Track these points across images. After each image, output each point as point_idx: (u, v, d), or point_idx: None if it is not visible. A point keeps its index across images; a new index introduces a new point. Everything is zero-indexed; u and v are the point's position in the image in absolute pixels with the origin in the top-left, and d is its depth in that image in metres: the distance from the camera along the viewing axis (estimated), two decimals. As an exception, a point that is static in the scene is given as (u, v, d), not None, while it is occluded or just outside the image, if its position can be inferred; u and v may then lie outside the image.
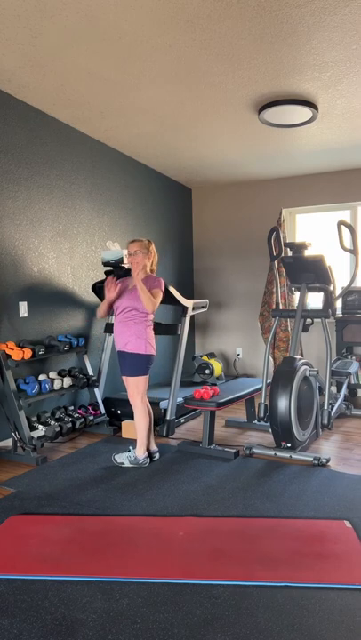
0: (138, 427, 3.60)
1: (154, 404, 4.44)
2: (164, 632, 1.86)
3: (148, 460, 3.61)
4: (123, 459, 3.60)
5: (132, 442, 4.11)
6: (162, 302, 4.26)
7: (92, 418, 4.27)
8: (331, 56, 3.28)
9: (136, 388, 3.55)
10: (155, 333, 3.72)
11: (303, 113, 3.98)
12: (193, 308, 4.55)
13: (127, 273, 4.28)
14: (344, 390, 4.72)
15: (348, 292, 5.23)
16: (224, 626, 1.89)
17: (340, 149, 4.91)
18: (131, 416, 4.25)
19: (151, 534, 2.58)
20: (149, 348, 3.54)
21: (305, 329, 4.14)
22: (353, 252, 3.96)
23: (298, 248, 3.98)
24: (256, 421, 4.54)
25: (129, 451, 3.64)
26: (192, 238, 6.49)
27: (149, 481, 3.30)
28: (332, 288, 3.98)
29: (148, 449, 3.66)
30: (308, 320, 4.22)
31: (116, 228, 5.15)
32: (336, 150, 4.94)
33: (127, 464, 3.58)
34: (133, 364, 3.52)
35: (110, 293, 3.58)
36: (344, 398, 4.73)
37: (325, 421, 3.83)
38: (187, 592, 2.10)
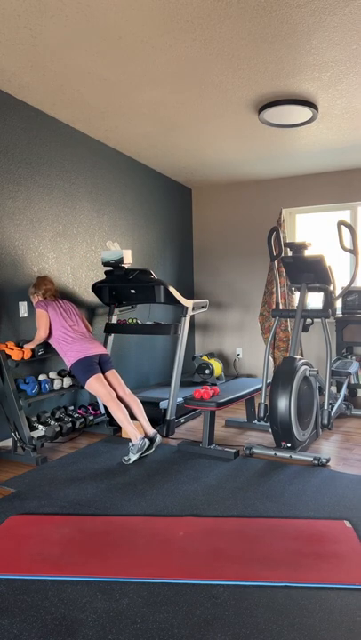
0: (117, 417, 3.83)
1: (154, 404, 4.44)
2: (164, 632, 1.86)
3: (147, 441, 3.74)
4: (129, 455, 3.69)
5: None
6: (162, 302, 4.30)
7: (92, 418, 4.27)
8: (331, 56, 3.28)
9: None
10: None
11: (303, 113, 3.99)
12: (193, 308, 4.54)
13: (124, 275, 4.28)
14: (344, 390, 4.72)
15: (348, 291, 5.23)
16: (224, 626, 1.89)
17: (340, 149, 4.91)
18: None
19: (151, 534, 2.58)
20: None
21: (305, 329, 4.14)
22: (353, 251, 3.96)
23: (298, 248, 3.98)
24: (256, 421, 4.54)
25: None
26: (192, 238, 6.49)
27: (149, 481, 3.31)
28: (332, 288, 3.98)
29: (145, 434, 3.85)
30: (308, 320, 4.22)
31: (116, 228, 5.15)
32: (336, 150, 4.94)
33: (133, 457, 3.66)
34: None
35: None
36: (344, 398, 4.73)
37: (325, 421, 3.83)
38: (187, 592, 2.10)
